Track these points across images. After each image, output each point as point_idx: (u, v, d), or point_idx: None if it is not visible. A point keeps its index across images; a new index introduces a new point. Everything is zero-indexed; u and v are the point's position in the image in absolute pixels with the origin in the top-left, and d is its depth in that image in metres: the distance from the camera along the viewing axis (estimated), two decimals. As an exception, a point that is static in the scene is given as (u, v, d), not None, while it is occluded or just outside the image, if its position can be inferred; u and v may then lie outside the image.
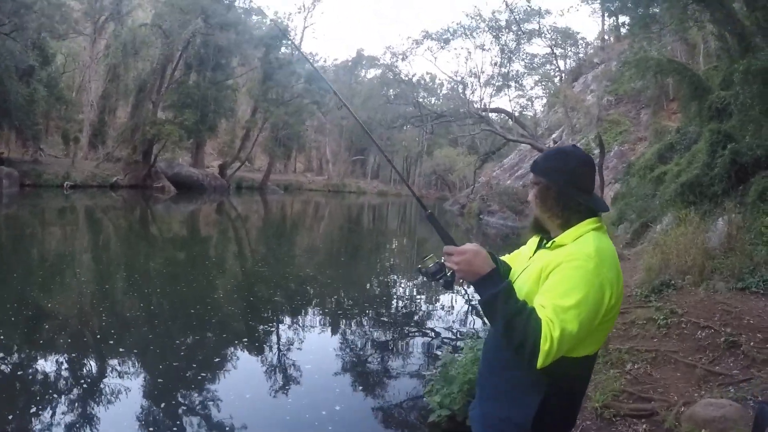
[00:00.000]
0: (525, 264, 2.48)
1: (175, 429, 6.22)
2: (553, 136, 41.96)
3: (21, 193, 32.29)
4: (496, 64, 43.75)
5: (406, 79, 43.59)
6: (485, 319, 2.58)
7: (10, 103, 32.06)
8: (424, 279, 2.51)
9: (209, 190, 47.31)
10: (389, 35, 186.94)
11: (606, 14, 45.20)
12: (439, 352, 7.95)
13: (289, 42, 59.38)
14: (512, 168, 44.14)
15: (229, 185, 51.54)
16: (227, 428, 6.24)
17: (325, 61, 77.96)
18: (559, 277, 2.18)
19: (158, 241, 21.84)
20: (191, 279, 14.02)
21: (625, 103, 38.56)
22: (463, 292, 13.34)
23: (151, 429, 6.23)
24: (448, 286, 2.46)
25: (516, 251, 2.81)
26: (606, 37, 49.83)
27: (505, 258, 2.80)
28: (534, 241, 2.60)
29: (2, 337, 8.51)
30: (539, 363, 2.06)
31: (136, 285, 13.36)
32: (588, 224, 2.34)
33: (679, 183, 13.47)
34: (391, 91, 47.60)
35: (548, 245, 2.36)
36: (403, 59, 42.60)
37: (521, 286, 2.32)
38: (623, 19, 27.46)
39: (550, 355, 2.06)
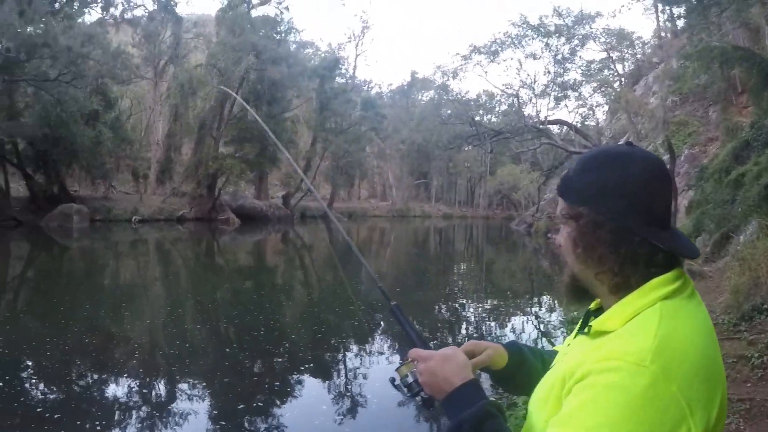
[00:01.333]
0: (557, 359, 1.52)
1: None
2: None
3: (92, 228, 33.53)
4: (549, 72, 43.06)
5: (460, 97, 43.37)
6: None
7: (77, 145, 34.08)
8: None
9: (273, 221, 47.78)
10: (439, 54, 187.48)
11: (660, 9, 43.80)
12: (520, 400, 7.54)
13: (344, 71, 59.71)
14: (578, 183, 43.28)
15: (293, 215, 52.00)
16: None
17: (380, 87, 78.62)
18: (580, 402, 1.20)
19: (225, 271, 22.01)
20: (258, 307, 13.99)
21: (690, 102, 37.24)
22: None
23: None
24: (426, 407, 1.59)
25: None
26: (663, 34, 48.38)
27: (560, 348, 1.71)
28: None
29: (78, 362, 9.02)
30: None
31: (204, 313, 13.53)
32: (655, 287, 1.29)
33: (761, 185, 11.93)
34: (447, 111, 47.43)
35: (587, 328, 1.37)
36: (453, 77, 42.48)
37: (536, 400, 1.42)
38: (678, 11, 26.53)
39: None
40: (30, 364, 8.93)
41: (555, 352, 1.65)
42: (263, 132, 44.12)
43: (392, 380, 1.62)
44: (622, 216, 1.29)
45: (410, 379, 1.58)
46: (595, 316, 1.41)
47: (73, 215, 33.76)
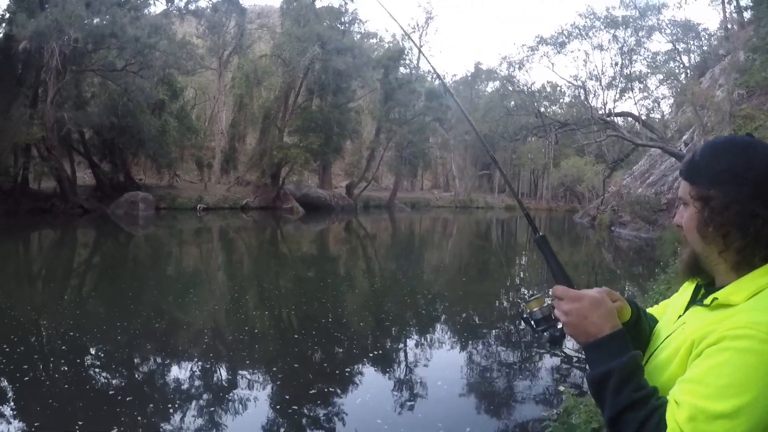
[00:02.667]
0: (671, 327, 1.62)
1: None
2: (684, 137, 39.81)
3: (157, 216, 34.24)
4: (616, 64, 42.17)
5: (525, 88, 42.79)
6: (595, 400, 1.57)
7: (144, 134, 34.86)
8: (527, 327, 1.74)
9: (337, 210, 48.09)
10: (505, 45, 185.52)
11: (726, 0, 42.52)
12: (562, 387, 7.47)
13: (408, 61, 59.44)
14: (643, 175, 42.21)
15: (356, 204, 52.23)
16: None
17: (444, 78, 78.24)
18: (714, 363, 1.34)
19: (289, 259, 22.27)
20: (321, 295, 14.13)
21: (758, 95, 35.90)
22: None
23: None
24: (554, 344, 1.68)
25: (664, 302, 1.91)
26: (729, 25, 46.72)
27: (652, 310, 1.92)
28: (688, 288, 1.72)
29: (147, 346, 9.32)
30: None
31: (269, 300, 13.75)
32: None
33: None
34: (512, 102, 46.86)
35: (707, 301, 1.49)
36: (519, 68, 41.81)
37: (659, 363, 1.54)
38: (745, 2, 25.63)
39: None
40: (100, 347, 9.23)
41: (651, 315, 1.85)
42: (327, 121, 44.49)
43: (521, 313, 1.70)
44: (749, 199, 1.43)
45: (539, 315, 1.66)
46: (708, 291, 1.56)
47: (139, 203, 34.61)
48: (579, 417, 5.24)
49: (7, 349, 8.53)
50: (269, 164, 43.97)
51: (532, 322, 1.68)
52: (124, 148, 36.58)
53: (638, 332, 1.75)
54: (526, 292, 16.25)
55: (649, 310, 1.90)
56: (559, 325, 1.63)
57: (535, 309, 1.67)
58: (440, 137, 68.39)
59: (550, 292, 1.63)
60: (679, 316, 1.63)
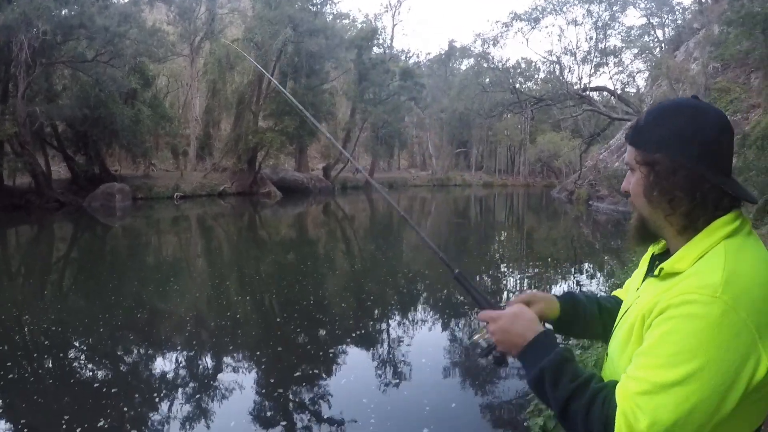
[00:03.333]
0: (629, 302, 1.63)
1: (286, 423, 6.31)
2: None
3: (134, 206, 33.99)
4: (591, 39, 42.37)
5: (500, 65, 42.86)
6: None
7: (117, 124, 34.38)
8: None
9: (315, 192, 48.02)
10: (478, 22, 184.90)
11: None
12: None
13: (381, 41, 59.24)
14: (619, 149, 42.36)
15: (334, 186, 52.18)
16: (341, 422, 6.20)
17: (418, 57, 78.03)
18: (661, 332, 1.35)
19: (267, 243, 22.24)
20: (302, 278, 14.14)
21: (732, 68, 36.24)
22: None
23: (263, 422, 6.40)
24: (499, 364, 1.74)
25: (627, 280, 1.86)
26: None
27: (618, 292, 1.93)
28: (645, 261, 1.73)
29: (130, 337, 9.28)
30: None
31: (250, 285, 13.75)
32: (719, 228, 1.45)
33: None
34: (486, 79, 46.91)
35: (656, 271, 1.51)
36: (494, 45, 41.96)
37: (618, 341, 1.54)
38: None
39: None
40: (83, 341, 9.22)
41: (612, 297, 1.90)
42: (302, 104, 44.20)
43: (472, 345, 1.79)
44: (695, 163, 1.43)
45: (483, 344, 1.75)
46: (660, 261, 1.55)
47: (115, 194, 34.21)
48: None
49: (-13, 346, 8.52)
50: (245, 149, 43.73)
51: (482, 355, 1.75)
52: (97, 140, 36.11)
53: (582, 320, 1.84)
54: (505, 269, 16.39)
55: (615, 292, 1.94)
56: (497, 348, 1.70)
57: (479, 340, 1.77)
58: (416, 116, 68.40)
59: (479, 319, 1.75)
60: (637, 289, 1.64)
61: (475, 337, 1.80)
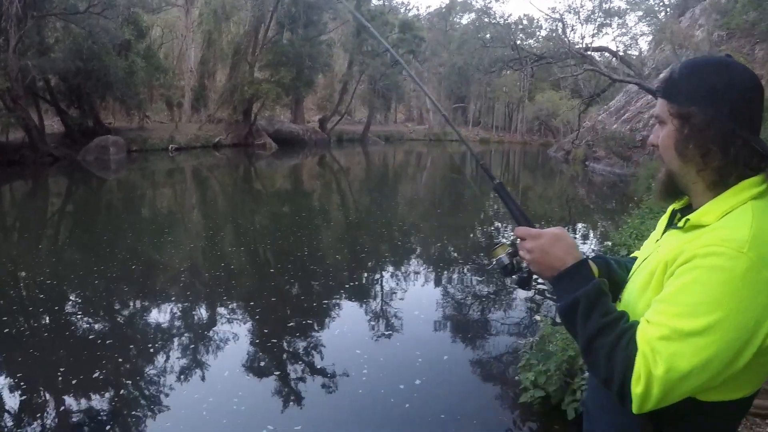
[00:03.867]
0: (648, 251, 1.66)
1: (279, 373, 6.38)
2: (661, 76, 39.60)
3: (128, 159, 33.82)
4: (595, -3, 41.78)
5: (501, 20, 42.36)
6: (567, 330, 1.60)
7: (111, 76, 33.65)
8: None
9: (310, 144, 47.78)
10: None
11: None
12: (538, 317, 7.60)
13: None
14: (618, 111, 42.09)
15: (329, 138, 51.91)
16: (333, 373, 6.25)
17: (418, 10, 77.18)
18: (685, 281, 1.36)
19: (263, 195, 22.21)
20: (296, 229, 14.13)
21: (737, 38, 35.81)
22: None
23: (257, 372, 6.46)
24: (523, 286, 1.74)
25: (647, 241, 1.84)
26: (713, -36, 46.62)
27: (638, 253, 1.85)
28: (665, 218, 1.73)
29: (124, 289, 9.33)
30: (634, 408, 1.34)
31: (244, 237, 13.79)
32: (747, 188, 1.45)
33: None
34: (487, 35, 46.40)
35: (681, 223, 1.50)
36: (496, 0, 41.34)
37: (635, 287, 1.56)
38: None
39: (649, 401, 1.32)
40: (78, 294, 9.24)
41: (634, 259, 1.82)
42: (299, 55, 43.79)
43: (491, 262, 1.75)
44: (728, 118, 1.43)
45: (505, 261, 1.73)
46: (682, 215, 1.56)
47: (110, 147, 33.85)
48: (556, 345, 5.37)
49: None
50: (240, 101, 43.36)
51: (499, 269, 1.74)
52: (91, 93, 35.51)
53: (613, 284, 1.76)
54: (500, 224, 16.39)
55: (635, 253, 1.90)
56: (525, 267, 1.70)
57: (500, 255, 1.74)
58: (414, 70, 67.82)
59: (515, 233, 1.68)
60: (657, 241, 1.65)
61: (497, 250, 1.75)
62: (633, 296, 1.55)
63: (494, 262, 1.75)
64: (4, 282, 9.65)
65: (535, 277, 1.75)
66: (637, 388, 1.31)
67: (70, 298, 9.01)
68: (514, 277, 1.72)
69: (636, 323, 1.41)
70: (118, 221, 15.79)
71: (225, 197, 21.78)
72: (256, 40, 44.69)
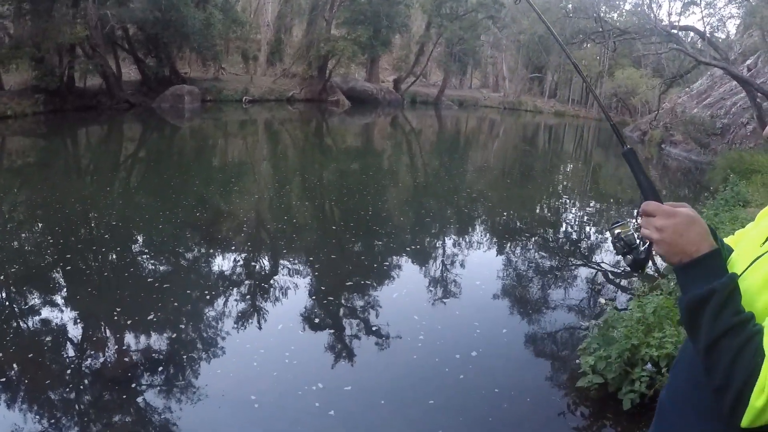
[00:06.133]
0: (757, 250, 1.45)
1: (333, 330, 6.35)
2: (748, 62, 37.84)
3: (202, 108, 34.32)
4: (684, -26, 39.98)
5: (587, -9, 41.02)
6: (684, 326, 1.38)
7: (188, 27, 34.02)
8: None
9: (383, 104, 47.53)
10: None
11: None
12: (602, 300, 7.32)
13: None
14: (700, 95, 40.39)
15: (403, 99, 51.51)
16: (388, 335, 6.17)
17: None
18: None
19: (332, 151, 22.22)
20: (363, 188, 14.09)
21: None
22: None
23: (311, 326, 6.46)
24: (637, 268, 1.55)
25: (740, 230, 1.74)
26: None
27: (728, 240, 1.71)
28: (766, 215, 1.59)
29: (188, 235, 9.53)
30: (744, 421, 1.19)
31: (311, 191, 13.84)
32: None
33: None
34: (569, 4, 45.21)
35: None
36: (582, -32, 40.06)
37: (751, 286, 1.34)
38: None
39: (764, 417, 1.17)
40: (142, 237, 9.37)
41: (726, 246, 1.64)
42: (376, 14, 43.46)
43: (611, 233, 1.59)
44: None
45: (623, 240, 1.56)
46: None
47: (185, 96, 34.44)
48: (619, 331, 5.13)
49: (51, 240, 8.74)
50: (316, 56, 43.34)
51: (618, 247, 1.57)
52: (168, 43, 36.07)
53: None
54: (568, 200, 16.00)
55: (726, 240, 1.71)
56: (642, 248, 1.52)
57: (620, 234, 1.56)
58: (492, 36, 66.54)
59: (635, 213, 1.49)
60: (764, 243, 1.45)
61: (617, 230, 1.58)
62: (751, 291, 1.33)
63: (614, 238, 1.57)
64: (72, 221, 9.84)
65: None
66: (757, 401, 1.14)
67: (134, 240, 9.14)
68: (629, 256, 1.54)
69: (761, 327, 1.22)
70: (188, 168, 16.00)
71: (295, 151, 21.85)
72: (334, -4, 44.48)
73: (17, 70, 29.80)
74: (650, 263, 1.53)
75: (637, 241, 1.53)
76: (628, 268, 1.57)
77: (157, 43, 36.06)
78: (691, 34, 42.54)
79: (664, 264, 1.42)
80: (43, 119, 25.62)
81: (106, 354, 5.59)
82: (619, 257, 1.61)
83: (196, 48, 37.99)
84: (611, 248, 1.60)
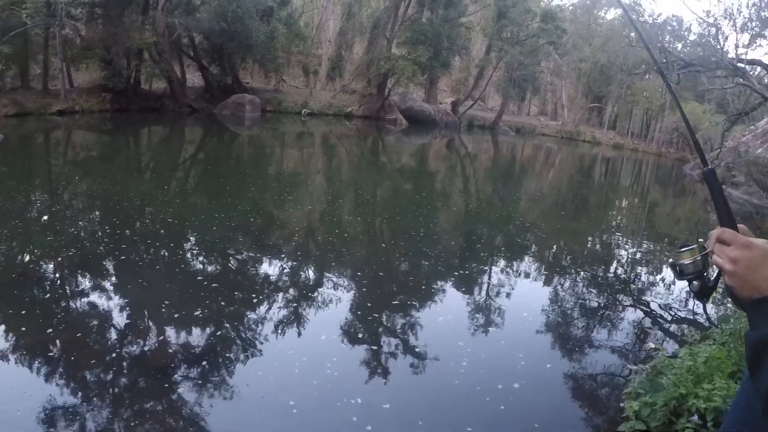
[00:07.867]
0: None
1: (375, 348, 6.36)
2: None
3: (262, 118, 35.04)
4: (754, 4, 38.95)
5: (651, 19, 40.48)
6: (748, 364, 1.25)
7: (252, 39, 35.15)
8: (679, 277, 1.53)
9: (440, 126, 47.54)
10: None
11: None
12: (650, 344, 7.14)
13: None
14: (765, 134, 39.38)
15: (460, 122, 51.47)
16: (430, 358, 6.16)
17: (561, 1, 75.01)
18: None
19: (387, 169, 22.30)
20: (414, 209, 14.08)
21: None
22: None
23: (353, 341, 6.49)
24: (702, 296, 1.49)
25: None
26: None
27: None
28: None
29: (240, 239, 9.71)
30: None
31: (364, 207, 13.95)
32: None
33: None
34: (632, 33, 44.62)
35: None
36: (646, -4, 39.53)
37: None
38: None
39: None
40: (195, 236, 9.56)
41: None
42: (437, 35, 43.61)
43: (672, 262, 1.53)
44: None
45: (691, 268, 1.49)
46: None
47: (246, 104, 35.37)
48: (668, 379, 5.00)
49: (108, 231, 8.98)
50: (376, 74, 43.68)
51: (681, 273, 1.50)
52: (232, 53, 37.20)
53: None
54: (621, 238, 15.73)
55: None
56: (712, 277, 1.46)
57: (687, 260, 1.50)
58: (552, 62, 66.14)
59: (708, 237, 1.42)
60: None
61: (684, 254, 1.51)
62: None
63: (676, 264, 1.52)
64: (130, 215, 10.10)
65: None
66: None
67: (187, 238, 9.32)
68: (695, 283, 1.48)
69: None
70: (244, 174, 16.24)
71: (350, 166, 22.00)
72: (396, 16, 44.80)
73: (87, 70, 31.27)
74: (703, 310, 1.48)
75: (707, 267, 1.47)
76: (692, 294, 1.51)
77: (222, 53, 37.08)
78: (758, 68, 41.58)
79: (717, 310, 1.36)
80: (108, 117, 26.54)
81: (150, 343, 5.78)
82: (681, 282, 1.54)
83: (258, 59, 39.08)
84: (663, 282, 1.55)
